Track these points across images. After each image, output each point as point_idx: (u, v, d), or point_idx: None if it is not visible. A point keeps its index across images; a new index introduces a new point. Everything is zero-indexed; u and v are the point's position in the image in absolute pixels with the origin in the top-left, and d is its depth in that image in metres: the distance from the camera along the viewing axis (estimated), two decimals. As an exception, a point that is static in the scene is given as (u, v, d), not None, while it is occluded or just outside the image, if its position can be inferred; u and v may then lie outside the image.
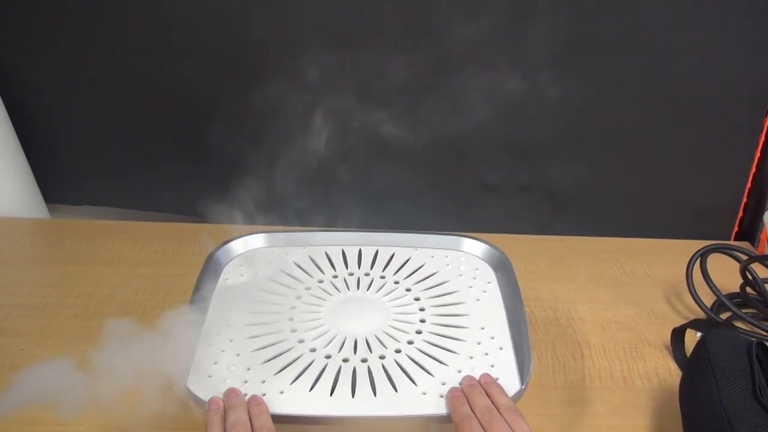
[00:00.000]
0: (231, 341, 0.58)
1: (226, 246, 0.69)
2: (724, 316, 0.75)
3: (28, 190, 0.99)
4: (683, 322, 0.70)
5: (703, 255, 0.75)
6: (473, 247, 0.70)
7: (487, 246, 0.70)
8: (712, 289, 0.73)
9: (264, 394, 0.53)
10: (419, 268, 0.68)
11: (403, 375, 0.55)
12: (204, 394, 0.53)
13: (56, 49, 0.91)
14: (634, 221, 0.92)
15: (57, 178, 1.02)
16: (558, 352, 0.71)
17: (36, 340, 0.70)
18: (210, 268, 0.66)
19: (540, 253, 0.88)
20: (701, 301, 0.74)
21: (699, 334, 0.69)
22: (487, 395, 0.53)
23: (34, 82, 0.95)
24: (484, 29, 0.81)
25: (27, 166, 0.98)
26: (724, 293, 0.73)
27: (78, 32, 0.89)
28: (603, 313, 0.77)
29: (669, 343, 0.71)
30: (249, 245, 0.70)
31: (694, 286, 0.74)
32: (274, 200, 0.97)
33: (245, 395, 0.53)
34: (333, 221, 0.89)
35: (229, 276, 0.66)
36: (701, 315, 0.75)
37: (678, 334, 0.70)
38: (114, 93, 0.93)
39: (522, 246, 0.88)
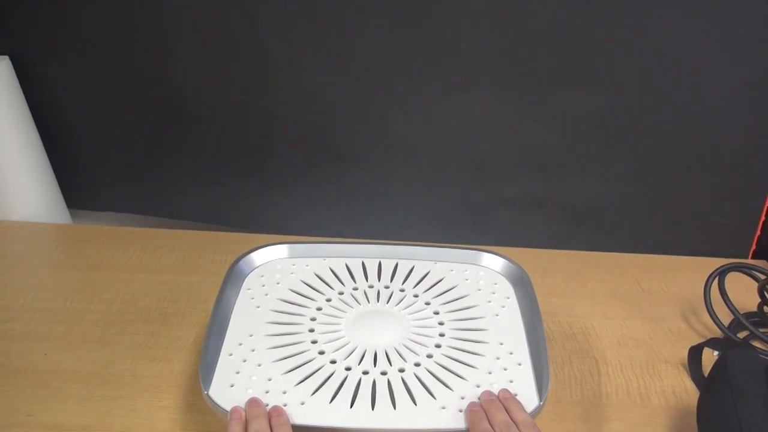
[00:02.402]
0: (253, 351, 0.59)
1: (248, 256, 0.70)
2: (742, 335, 0.75)
3: (51, 196, 1.00)
4: (700, 340, 0.70)
5: (721, 273, 0.75)
6: (492, 261, 0.71)
7: (507, 261, 0.70)
8: (729, 308, 0.73)
9: (285, 405, 0.54)
10: (438, 282, 0.68)
11: (423, 388, 0.56)
12: (226, 404, 0.54)
13: (80, 56, 0.93)
14: (652, 238, 0.92)
15: (80, 184, 1.03)
16: (575, 367, 0.71)
17: (58, 345, 0.71)
18: (232, 277, 0.67)
19: (556, 267, 0.88)
20: (719, 319, 0.74)
21: (716, 353, 0.69)
22: (506, 411, 0.53)
23: (58, 89, 0.96)
24: (502, 42, 0.82)
25: (51, 171, 0.99)
26: (741, 312, 0.73)
27: (102, 40, 0.90)
28: (619, 329, 0.77)
29: (686, 361, 0.71)
30: (271, 256, 0.71)
31: (711, 305, 0.74)
32: (295, 209, 0.99)
33: (266, 405, 0.54)
34: (348, 232, 0.90)
35: (251, 286, 0.67)
36: (718, 333, 0.75)
37: (695, 353, 0.70)
38: (138, 100, 0.95)
39: (538, 260, 0.88)
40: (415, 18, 0.83)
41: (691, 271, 0.84)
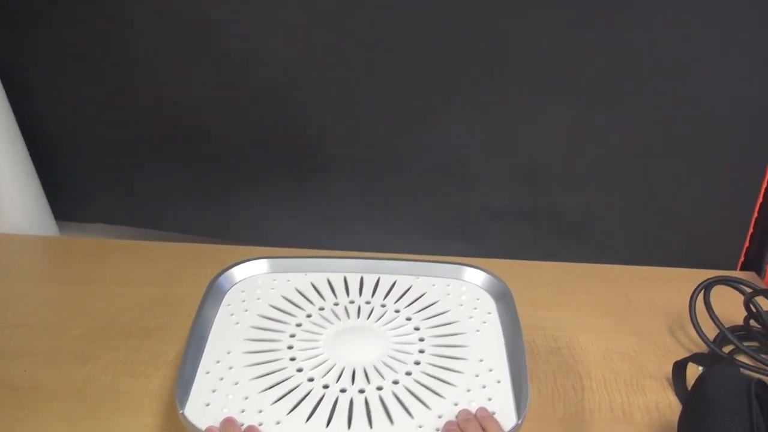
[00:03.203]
0: (230, 368, 0.59)
1: (228, 271, 0.69)
2: (727, 348, 0.74)
3: (38, 208, 1.00)
4: (686, 354, 0.70)
5: (707, 287, 0.74)
6: (475, 276, 0.71)
7: (489, 275, 0.70)
8: (714, 322, 0.72)
9: (260, 424, 0.53)
10: (420, 297, 0.68)
11: (400, 407, 0.55)
12: (201, 423, 0.53)
13: (68, 67, 0.92)
14: (640, 249, 0.92)
15: (67, 195, 1.03)
16: (558, 382, 0.70)
17: (39, 361, 0.70)
18: (212, 293, 0.66)
19: (544, 279, 0.87)
20: (704, 333, 0.74)
21: (701, 368, 0.69)
22: (483, 430, 0.53)
23: (45, 99, 0.96)
24: (491, 52, 0.82)
25: (38, 183, 0.99)
26: (727, 325, 0.73)
27: (89, 50, 0.90)
28: (605, 343, 0.76)
29: (671, 375, 0.70)
30: (251, 271, 0.70)
31: (697, 318, 0.74)
32: (285, 220, 0.98)
33: (242, 425, 0.53)
34: (337, 243, 0.89)
35: (231, 302, 0.67)
36: (704, 347, 0.74)
37: (679, 368, 0.69)
38: (125, 111, 0.94)
39: (526, 272, 0.87)
40: (403, 29, 0.82)
41: (678, 283, 0.84)
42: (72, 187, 1.03)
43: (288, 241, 0.95)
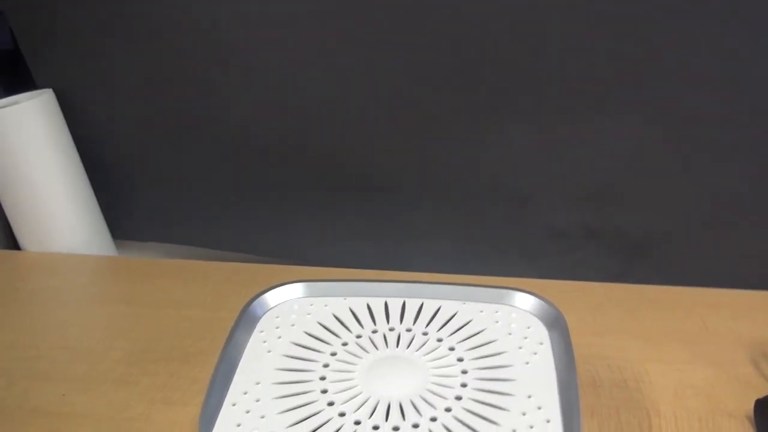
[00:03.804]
0: (257, 401, 0.55)
1: (262, 297, 0.66)
2: (820, 385, 0.66)
3: (96, 227, 1.01)
4: (770, 390, 0.62)
5: (794, 314, 0.66)
6: (526, 302, 0.65)
7: (542, 301, 0.64)
8: (804, 354, 0.65)
9: (285, 462, 0.50)
10: (465, 325, 0.63)
11: (437, 448, 0.51)
12: (223, 459, 0.50)
13: (124, 88, 0.93)
14: (719, 271, 0.84)
15: (124, 214, 1.03)
16: (623, 419, 0.64)
17: (78, 386, 0.69)
18: (244, 319, 0.63)
19: (610, 303, 0.81)
20: (791, 367, 0.66)
21: (787, 408, 0.61)
22: (527, 477, 0.48)
23: (101, 120, 0.97)
24: (546, 66, 0.77)
25: (95, 203, 1.00)
26: (819, 358, 0.65)
27: (146, 71, 0.91)
28: (677, 375, 0.69)
29: (752, 414, 0.63)
30: (287, 295, 0.67)
31: (783, 350, 0.66)
32: (336, 241, 0.96)
33: (264, 463, 0.50)
34: (381, 264, 0.86)
35: (264, 328, 0.64)
36: (792, 382, 0.66)
37: (763, 406, 0.62)
38: (180, 132, 0.95)
39: (590, 295, 0.81)
40: (455, 42, 0.78)
41: (762, 309, 0.76)
42: (128, 206, 1.03)
43: (336, 262, 0.92)
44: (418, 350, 0.60)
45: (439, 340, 0.61)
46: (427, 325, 0.63)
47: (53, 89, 0.94)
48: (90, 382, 0.70)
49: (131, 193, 1.02)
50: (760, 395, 0.63)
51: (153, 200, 1.03)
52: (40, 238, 0.96)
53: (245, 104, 0.89)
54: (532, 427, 0.52)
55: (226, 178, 0.96)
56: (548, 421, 0.53)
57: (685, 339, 0.75)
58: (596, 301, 0.81)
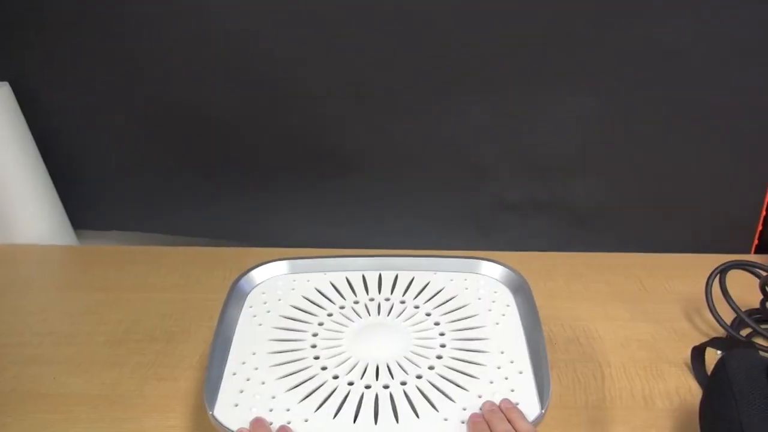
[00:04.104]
0: (256, 369, 0.60)
1: (249, 273, 0.70)
2: (745, 332, 0.75)
3: (56, 217, 1.01)
4: (704, 339, 0.70)
5: (722, 271, 0.75)
6: (492, 270, 0.71)
7: (506, 269, 0.71)
8: (731, 306, 0.73)
9: (289, 422, 0.54)
10: (439, 292, 0.69)
11: (425, 401, 0.56)
12: (231, 424, 0.54)
13: (81, 76, 0.93)
14: (653, 237, 0.93)
15: (84, 204, 1.04)
16: (578, 371, 0.71)
17: (67, 368, 0.72)
18: (234, 295, 0.67)
19: (559, 270, 0.88)
20: (721, 318, 0.74)
21: (719, 353, 0.69)
22: (508, 420, 0.54)
23: (58, 111, 0.97)
24: (499, 45, 0.82)
25: (54, 193, 1.00)
26: (744, 309, 0.73)
27: (102, 61, 0.91)
28: (622, 331, 0.77)
29: (689, 361, 0.71)
30: (271, 272, 0.71)
31: (713, 303, 0.75)
32: (298, 220, 0.99)
33: (270, 424, 0.54)
34: (354, 242, 0.90)
35: (253, 303, 0.68)
36: (722, 332, 0.75)
37: (698, 353, 0.70)
38: (139, 118, 0.95)
39: (541, 263, 0.88)
40: (416, 29, 0.83)
41: (693, 269, 0.84)
42: (88, 196, 1.04)
43: (301, 242, 0.96)
44: (398, 317, 0.66)
45: (416, 307, 0.67)
46: (404, 294, 0.69)
47: (9, 83, 0.94)
48: (79, 364, 0.72)
49: (90, 183, 1.03)
50: (696, 344, 0.71)
51: (112, 189, 1.03)
52: (2, 230, 0.96)
53: (206, 86, 0.90)
54: (506, 378, 0.59)
55: (183, 165, 0.98)
56: (520, 373, 0.60)
57: (627, 299, 0.83)
58: (546, 268, 0.88)
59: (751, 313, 0.75)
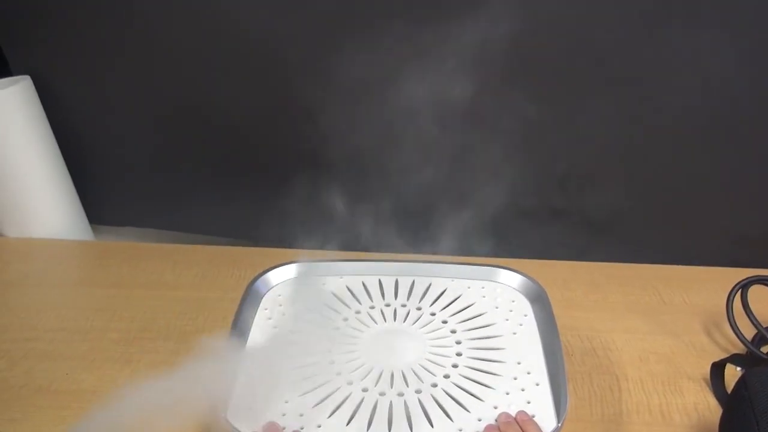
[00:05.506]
0: (270, 373, 0.59)
1: (265, 276, 0.70)
2: (765, 348, 0.74)
3: (73, 212, 1.01)
4: (723, 354, 0.69)
5: (744, 286, 0.73)
6: (510, 278, 0.71)
7: (524, 278, 0.70)
8: (752, 322, 0.72)
9: (302, 428, 0.54)
10: (456, 300, 0.68)
11: (440, 410, 0.56)
12: (244, 428, 0.54)
13: (100, 74, 0.94)
14: (674, 248, 0.91)
15: (101, 200, 1.04)
16: (595, 384, 0.70)
17: (80, 365, 0.71)
18: (249, 297, 0.67)
19: (577, 279, 0.87)
20: (741, 333, 0.73)
21: (739, 369, 0.68)
22: (524, 433, 0.53)
23: (79, 106, 0.97)
24: (519, 50, 0.81)
25: (72, 188, 1.01)
26: (765, 325, 0.72)
27: (123, 58, 0.91)
28: (640, 344, 0.76)
29: (708, 376, 0.70)
30: (288, 275, 0.71)
31: (734, 318, 0.73)
32: (316, 224, 0.99)
33: (284, 429, 0.54)
34: (371, 246, 0.90)
35: (268, 306, 0.67)
36: (742, 347, 0.73)
37: (717, 369, 0.69)
38: (158, 117, 0.96)
39: (558, 272, 0.87)
40: (429, 25, 0.82)
41: (714, 283, 0.83)
42: (105, 192, 1.04)
43: (320, 245, 0.95)
44: (414, 324, 0.65)
45: (433, 314, 0.66)
46: (420, 301, 0.68)
47: (30, 76, 0.94)
48: (92, 360, 0.72)
49: (107, 178, 1.03)
50: (715, 360, 0.70)
51: (128, 185, 1.03)
52: (19, 224, 0.97)
53: (223, 86, 0.90)
54: (523, 389, 0.58)
55: (202, 163, 0.98)
56: (537, 384, 0.59)
57: (645, 311, 0.82)
58: (563, 277, 0.87)
59: (772, 329, 0.73)
